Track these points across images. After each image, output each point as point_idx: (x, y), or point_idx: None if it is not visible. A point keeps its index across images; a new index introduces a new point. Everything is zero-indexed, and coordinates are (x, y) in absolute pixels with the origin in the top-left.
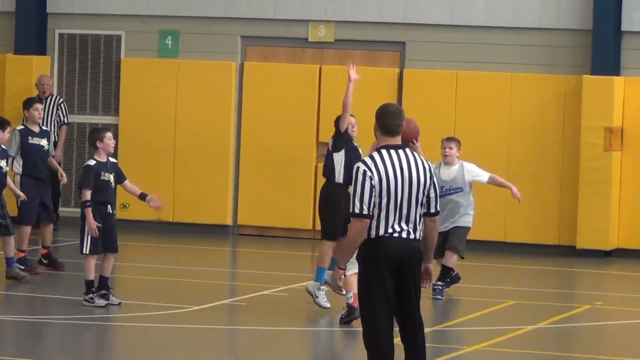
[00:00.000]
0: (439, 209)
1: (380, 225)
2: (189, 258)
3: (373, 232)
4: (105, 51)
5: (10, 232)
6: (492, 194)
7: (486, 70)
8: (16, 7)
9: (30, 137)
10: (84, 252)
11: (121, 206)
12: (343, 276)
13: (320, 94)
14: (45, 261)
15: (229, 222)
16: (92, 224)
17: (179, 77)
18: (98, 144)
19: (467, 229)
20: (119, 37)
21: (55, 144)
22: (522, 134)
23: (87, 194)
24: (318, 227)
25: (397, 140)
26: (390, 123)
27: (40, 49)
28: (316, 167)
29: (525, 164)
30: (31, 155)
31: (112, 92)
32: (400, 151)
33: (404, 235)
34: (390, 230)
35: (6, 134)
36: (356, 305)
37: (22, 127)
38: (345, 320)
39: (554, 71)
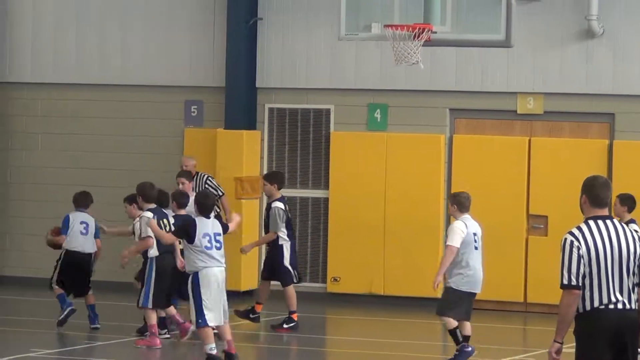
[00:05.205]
0: None
1: (595, 297)
2: (400, 332)
3: (588, 305)
4: (314, 125)
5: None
6: None
7: None
8: (226, 82)
9: None
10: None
11: (332, 279)
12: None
13: (529, 166)
14: None
15: (440, 294)
16: None
17: (388, 150)
18: None
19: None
20: (328, 111)
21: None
22: None
23: None
24: (530, 299)
25: (605, 211)
26: (599, 194)
27: (250, 124)
28: (526, 239)
29: None
30: None
31: (322, 166)
32: (609, 221)
33: (619, 306)
34: (605, 302)
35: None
36: None
37: None
38: None
39: None
